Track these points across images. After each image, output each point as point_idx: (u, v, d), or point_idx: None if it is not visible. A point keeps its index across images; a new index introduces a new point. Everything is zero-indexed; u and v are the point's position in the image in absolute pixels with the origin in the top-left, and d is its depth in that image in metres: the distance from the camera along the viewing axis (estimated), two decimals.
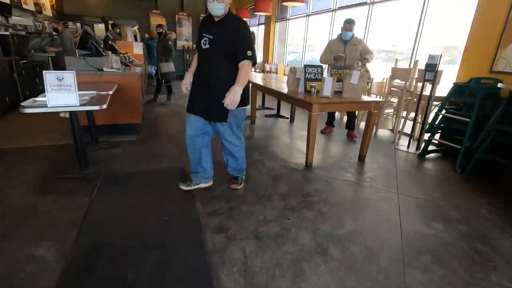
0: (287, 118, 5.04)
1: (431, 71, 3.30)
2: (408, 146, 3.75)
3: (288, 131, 4.38)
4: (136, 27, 8.57)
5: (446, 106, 3.23)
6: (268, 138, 3.94)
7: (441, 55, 3.26)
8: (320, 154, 3.40)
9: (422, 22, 4.18)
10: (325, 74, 5.50)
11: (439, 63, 3.28)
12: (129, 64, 4.83)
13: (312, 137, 2.86)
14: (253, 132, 4.19)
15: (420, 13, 4.16)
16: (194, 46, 10.28)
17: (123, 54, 5.11)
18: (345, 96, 3.05)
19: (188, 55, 10.26)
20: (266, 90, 3.84)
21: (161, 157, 3.04)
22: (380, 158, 3.34)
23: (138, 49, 6.61)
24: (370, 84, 4.48)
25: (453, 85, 3.19)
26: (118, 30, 7.78)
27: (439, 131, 3.41)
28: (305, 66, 3.19)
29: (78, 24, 10.20)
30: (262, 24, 9.92)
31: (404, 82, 3.95)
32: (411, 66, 4.28)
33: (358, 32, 5.37)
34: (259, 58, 10.47)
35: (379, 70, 5.81)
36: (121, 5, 9.46)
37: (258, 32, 10.61)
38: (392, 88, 4.11)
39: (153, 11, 9.58)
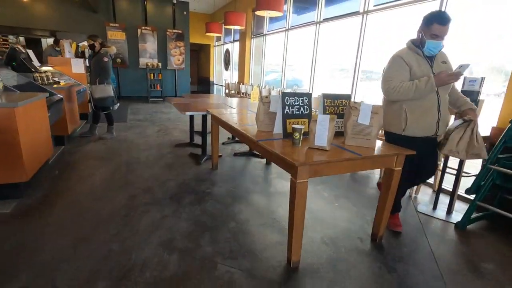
0: (262, 157, 3.82)
1: (471, 98, 2.20)
2: (435, 207, 2.59)
3: (263, 181, 3.13)
4: (84, 42, 7.25)
5: (499, 155, 2.12)
6: (232, 199, 2.65)
7: (483, 78, 2.19)
8: (310, 230, 2.15)
9: None
10: (315, 107, 4.39)
11: (481, 89, 2.20)
12: (42, 85, 3.48)
13: (298, 223, 1.62)
14: (211, 186, 2.90)
15: None
16: (160, 64, 9.06)
17: (40, 73, 3.77)
18: (348, 143, 1.87)
19: (152, 75, 8.99)
20: (228, 128, 2.60)
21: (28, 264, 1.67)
22: (403, 234, 2.14)
23: (77, 67, 5.30)
24: None
25: (510, 124, 2.09)
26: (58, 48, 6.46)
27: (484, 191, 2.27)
28: (284, 94, 1.99)
29: (22, 38, 8.77)
30: (237, 41, 8.91)
31: None
32: None
33: (354, 44, 4.42)
34: (234, 78, 9.39)
35: (368, 92, 4.79)
36: (72, 18, 8.16)
37: (233, 49, 9.59)
38: None
39: (111, 24, 8.34)
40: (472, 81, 2.18)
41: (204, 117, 3.64)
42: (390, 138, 2.07)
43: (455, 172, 2.54)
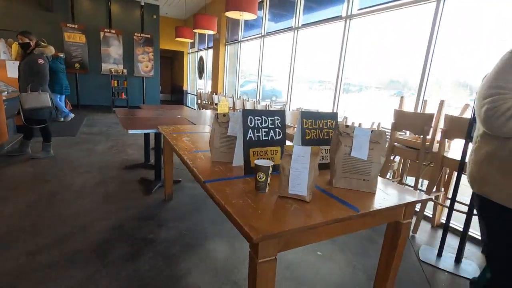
0: None
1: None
2: (440, 252, 2.06)
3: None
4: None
5: None
6: (181, 249, 1.98)
7: None
8: None
9: (434, 39, 2.74)
10: (293, 122, 3.82)
11: None
12: None
13: None
14: (156, 228, 2.21)
15: (432, 25, 2.73)
16: (125, 70, 8.25)
17: None
18: (338, 185, 1.28)
19: (116, 82, 8.16)
20: (176, 154, 1.95)
21: None
22: None
23: (13, 70, 4.43)
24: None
25: None
26: None
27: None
28: (247, 113, 1.39)
29: None
30: (211, 47, 8.33)
31: (418, 136, 2.39)
32: (419, 106, 2.76)
33: (336, 53, 3.93)
34: (209, 87, 8.76)
35: (352, 107, 4.35)
36: (22, 17, 7.21)
37: (207, 57, 8.99)
38: (396, 144, 2.49)
39: (68, 25, 7.48)
40: None
41: (158, 135, 2.96)
42: (489, 208, 1.10)
43: (465, 208, 2.04)
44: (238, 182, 1.25)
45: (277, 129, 1.46)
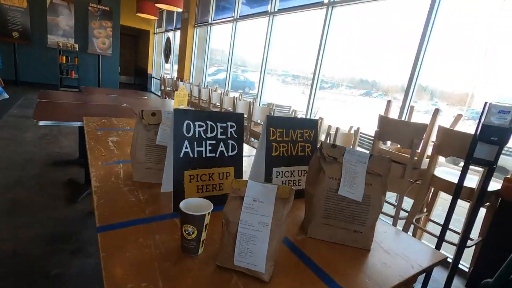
0: None
1: (499, 139, 1.39)
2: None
3: None
4: None
5: None
6: None
7: None
8: None
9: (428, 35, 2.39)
10: (259, 128, 3.36)
11: None
12: None
13: None
14: (70, 256, 1.65)
15: (426, 18, 2.38)
16: (76, 45, 7.21)
17: None
18: (315, 236, 0.83)
19: (66, 58, 7.10)
20: (89, 167, 1.39)
21: None
22: None
23: None
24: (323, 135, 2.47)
25: None
26: None
27: None
28: (179, 114, 0.88)
29: None
30: (179, 29, 7.54)
31: (404, 148, 2.05)
32: (406, 115, 2.43)
33: (315, 44, 3.48)
34: (174, 72, 8.00)
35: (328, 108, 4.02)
36: None
37: (175, 39, 8.18)
38: None
39: None
40: (503, 111, 1.36)
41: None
42: None
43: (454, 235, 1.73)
44: (159, 229, 0.76)
45: (230, 142, 0.97)
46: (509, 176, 1.73)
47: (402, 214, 2.04)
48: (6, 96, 5.22)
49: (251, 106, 3.64)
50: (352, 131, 2.71)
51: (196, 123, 0.90)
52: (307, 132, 1.13)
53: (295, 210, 0.99)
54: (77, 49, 7.18)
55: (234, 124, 0.98)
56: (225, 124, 0.96)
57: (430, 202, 2.14)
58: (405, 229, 1.99)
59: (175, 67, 8.08)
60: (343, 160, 0.82)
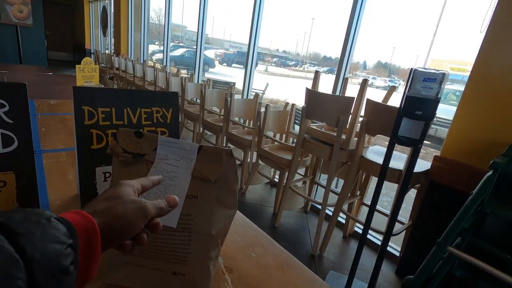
0: None
1: (424, 113, 1.16)
2: (350, 283, 1.56)
3: None
4: None
5: (465, 225, 1.12)
6: None
7: (444, 75, 1.14)
8: None
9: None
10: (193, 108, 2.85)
11: (441, 92, 1.15)
12: None
13: None
14: None
15: None
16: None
17: None
18: (111, 282, 0.50)
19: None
20: None
21: None
22: None
23: None
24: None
25: (494, 164, 1.10)
26: None
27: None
28: None
29: None
30: None
31: (333, 127, 1.80)
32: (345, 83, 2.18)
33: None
34: (110, 47, 7.13)
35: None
36: None
37: (110, 8, 7.20)
38: (306, 136, 1.87)
39: None
40: (428, 79, 1.12)
41: None
42: None
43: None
44: None
45: None
46: (439, 154, 1.56)
47: (333, 199, 1.83)
48: None
49: (183, 82, 3.20)
50: (289, 109, 2.42)
51: None
52: (159, 111, 0.78)
53: None
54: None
55: (5, 103, 0.60)
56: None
57: (363, 184, 1.95)
58: (333, 218, 1.78)
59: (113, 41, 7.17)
60: (155, 158, 0.49)
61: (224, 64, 19.42)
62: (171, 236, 0.47)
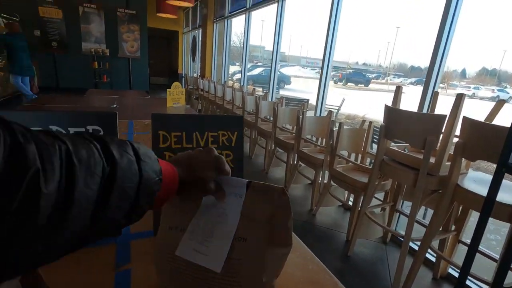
0: None
1: None
2: None
3: None
4: None
5: None
6: None
7: None
8: None
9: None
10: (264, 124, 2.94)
11: None
12: None
13: None
14: None
15: None
16: (107, 50, 7.55)
17: None
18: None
19: (98, 63, 7.48)
20: None
21: None
22: None
23: None
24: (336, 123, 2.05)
25: None
26: None
27: None
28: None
29: None
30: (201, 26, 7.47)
31: (419, 149, 1.57)
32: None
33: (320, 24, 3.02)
34: (197, 71, 7.97)
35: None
36: None
37: (199, 37, 8.14)
38: (385, 158, 1.67)
39: None
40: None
41: None
42: None
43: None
44: None
45: None
46: None
47: (419, 232, 1.57)
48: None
49: (257, 101, 3.32)
50: (366, 126, 2.24)
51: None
52: (224, 134, 0.81)
53: None
54: (108, 54, 7.53)
55: (100, 129, 0.70)
56: (83, 129, 0.69)
57: (460, 217, 1.62)
58: (420, 255, 1.52)
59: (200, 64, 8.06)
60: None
61: (340, 83, 19.78)
62: (216, 282, 0.43)
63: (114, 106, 2.68)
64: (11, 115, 0.65)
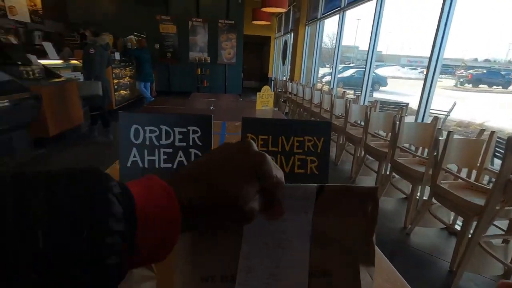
0: None
1: None
2: None
3: None
4: (130, 36, 7.12)
5: None
6: None
7: None
8: None
9: None
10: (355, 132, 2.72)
11: None
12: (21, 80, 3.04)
13: None
14: None
15: None
16: (208, 58, 8.46)
17: (26, 66, 3.39)
18: None
19: (200, 70, 8.46)
20: None
21: None
22: None
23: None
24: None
25: None
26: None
27: None
28: (122, 116, 0.77)
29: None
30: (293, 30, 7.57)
31: None
32: None
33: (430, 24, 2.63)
34: (287, 74, 8.09)
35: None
36: (122, 12, 8.16)
37: (290, 41, 8.26)
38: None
39: (163, 17, 8.09)
40: None
41: None
42: None
43: None
44: None
45: (192, 150, 0.79)
46: None
47: None
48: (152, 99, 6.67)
49: (347, 104, 3.15)
50: (485, 136, 1.84)
51: (147, 128, 0.77)
52: (310, 140, 0.79)
53: None
54: (209, 61, 8.44)
55: (198, 129, 0.79)
56: (185, 129, 0.79)
57: None
58: None
59: (289, 67, 8.17)
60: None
61: (470, 85, 16.69)
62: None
63: (211, 108, 2.98)
64: (133, 116, 0.78)
